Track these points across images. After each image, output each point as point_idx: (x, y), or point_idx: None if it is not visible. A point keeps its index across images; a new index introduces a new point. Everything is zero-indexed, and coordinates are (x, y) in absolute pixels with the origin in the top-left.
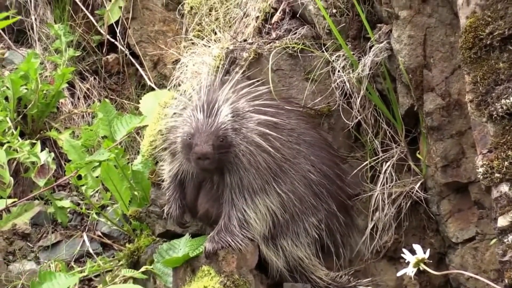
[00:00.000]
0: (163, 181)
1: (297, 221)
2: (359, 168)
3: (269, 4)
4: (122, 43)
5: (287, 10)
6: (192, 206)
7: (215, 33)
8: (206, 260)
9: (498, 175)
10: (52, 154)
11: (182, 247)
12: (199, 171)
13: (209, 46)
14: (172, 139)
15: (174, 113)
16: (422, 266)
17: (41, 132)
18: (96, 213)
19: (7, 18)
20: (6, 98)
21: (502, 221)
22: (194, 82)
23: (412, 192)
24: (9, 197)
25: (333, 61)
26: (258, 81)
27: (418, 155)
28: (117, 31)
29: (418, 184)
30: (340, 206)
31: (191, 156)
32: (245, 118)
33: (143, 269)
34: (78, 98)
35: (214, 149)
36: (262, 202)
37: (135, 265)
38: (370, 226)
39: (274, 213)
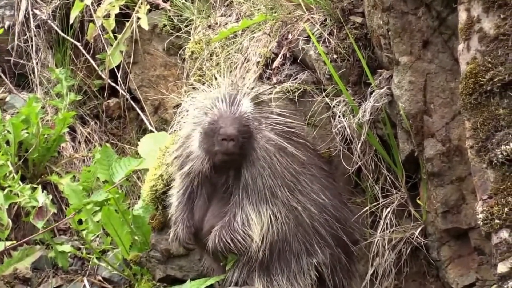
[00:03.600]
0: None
1: (299, 260)
2: (359, 213)
3: (270, 50)
4: (123, 87)
5: (287, 55)
6: (199, 224)
7: (216, 78)
8: None
9: (498, 221)
10: (51, 196)
11: None
12: (221, 157)
13: (210, 91)
14: (187, 144)
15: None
16: None
17: (42, 176)
18: (96, 258)
19: None
20: (7, 142)
21: (502, 267)
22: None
23: (412, 238)
24: (9, 240)
25: (333, 106)
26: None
27: (418, 201)
28: (118, 76)
29: (418, 230)
30: (344, 249)
31: (215, 139)
32: (265, 116)
33: None
34: (79, 143)
35: (239, 132)
36: (270, 208)
37: None
38: (370, 271)
39: (280, 224)
